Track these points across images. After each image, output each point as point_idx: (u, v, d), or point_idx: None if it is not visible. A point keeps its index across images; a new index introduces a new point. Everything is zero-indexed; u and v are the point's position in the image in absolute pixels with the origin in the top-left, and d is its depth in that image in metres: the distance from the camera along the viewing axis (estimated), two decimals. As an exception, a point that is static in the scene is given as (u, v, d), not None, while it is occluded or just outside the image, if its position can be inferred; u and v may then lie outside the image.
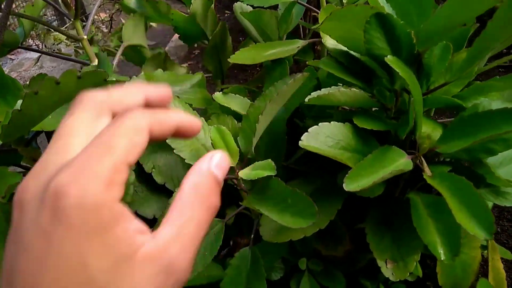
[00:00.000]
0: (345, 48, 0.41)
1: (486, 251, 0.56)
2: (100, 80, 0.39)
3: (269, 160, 0.36)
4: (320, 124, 0.38)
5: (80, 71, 0.39)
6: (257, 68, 1.47)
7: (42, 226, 0.16)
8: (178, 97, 0.53)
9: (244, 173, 0.36)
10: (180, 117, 0.21)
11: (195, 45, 2.07)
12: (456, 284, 0.51)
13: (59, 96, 0.38)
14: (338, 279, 0.51)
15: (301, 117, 0.59)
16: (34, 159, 0.57)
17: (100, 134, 0.18)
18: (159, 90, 0.22)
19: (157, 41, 2.20)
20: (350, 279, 0.53)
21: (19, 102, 0.42)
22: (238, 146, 0.37)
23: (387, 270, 0.43)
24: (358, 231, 0.58)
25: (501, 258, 0.56)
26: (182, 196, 0.19)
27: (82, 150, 0.17)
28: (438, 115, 1.11)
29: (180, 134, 0.22)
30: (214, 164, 0.21)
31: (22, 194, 0.17)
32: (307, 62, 0.44)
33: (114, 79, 0.42)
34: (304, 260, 0.52)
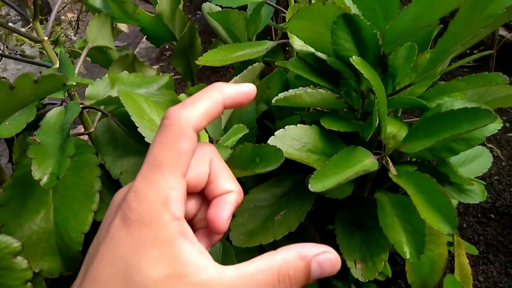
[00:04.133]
0: (312, 49, 0.41)
1: (452, 248, 0.57)
2: (59, 85, 0.37)
3: (239, 124, 0.38)
4: (286, 127, 0.38)
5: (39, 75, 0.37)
6: (230, 70, 1.46)
7: (112, 226, 0.19)
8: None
9: (220, 145, 0.37)
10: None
11: (167, 47, 2.02)
12: (425, 281, 0.52)
13: (15, 102, 0.36)
14: (310, 281, 0.51)
15: (271, 119, 0.59)
16: (-9, 166, 0.54)
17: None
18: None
19: (128, 42, 2.15)
20: (321, 280, 0.53)
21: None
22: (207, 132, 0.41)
23: (357, 271, 0.43)
24: (328, 232, 0.58)
25: (467, 254, 0.58)
26: None
27: (143, 167, 0.20)
28: (406, 114, 1.14)
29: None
30: None
31: (115, 197, 0.21)
32: (276, 63, 0.44)
33: (74, 83, 0.40)
34: (275, 263, 0.51)
